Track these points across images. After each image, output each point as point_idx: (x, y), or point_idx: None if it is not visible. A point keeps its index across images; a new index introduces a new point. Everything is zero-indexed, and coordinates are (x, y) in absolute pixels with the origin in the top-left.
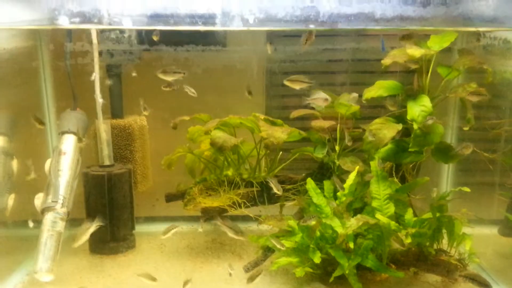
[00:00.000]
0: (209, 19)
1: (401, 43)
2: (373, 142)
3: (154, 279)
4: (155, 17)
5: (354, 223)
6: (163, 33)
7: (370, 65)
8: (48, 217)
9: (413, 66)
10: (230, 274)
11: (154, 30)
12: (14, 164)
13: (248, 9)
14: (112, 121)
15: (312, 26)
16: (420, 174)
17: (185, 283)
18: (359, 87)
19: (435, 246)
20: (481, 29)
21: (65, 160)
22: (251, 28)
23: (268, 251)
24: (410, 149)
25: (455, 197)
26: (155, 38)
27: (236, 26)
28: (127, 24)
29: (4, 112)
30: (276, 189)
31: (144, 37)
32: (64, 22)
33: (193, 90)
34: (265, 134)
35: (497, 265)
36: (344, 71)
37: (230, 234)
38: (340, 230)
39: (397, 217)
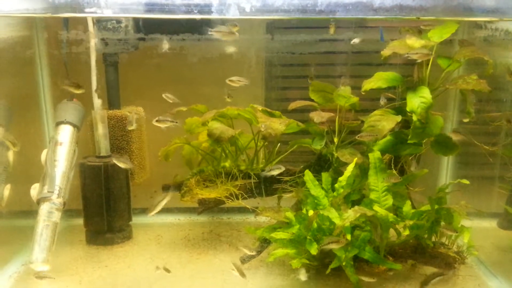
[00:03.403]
0: (204, 7)
1: (401, 35)
2: None
3: None
4: (150, 5)
5: (351, 214)
6: (158, 22)
7: (370, 57)
8: (44, 207)
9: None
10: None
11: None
12: (10, 154)
13: None
14: (109, 111)
15: (309, 16)
16: (419, 166)
17: (157, 269)
18: (360, 79)
19: (433, 239)
20: (481, 19)
21: (61, 150)
22: (248, 17)
23: (265, 242)
24: (409, 141)
25: (454, 189)
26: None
27: (232, 14)
28: (123, 13)
29: (0, 102)
30: None
31: (141, 26)
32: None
33: None
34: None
35: (495, 258)
36: (343, 63)
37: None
38: (337, 221)
39: (395, 209)
